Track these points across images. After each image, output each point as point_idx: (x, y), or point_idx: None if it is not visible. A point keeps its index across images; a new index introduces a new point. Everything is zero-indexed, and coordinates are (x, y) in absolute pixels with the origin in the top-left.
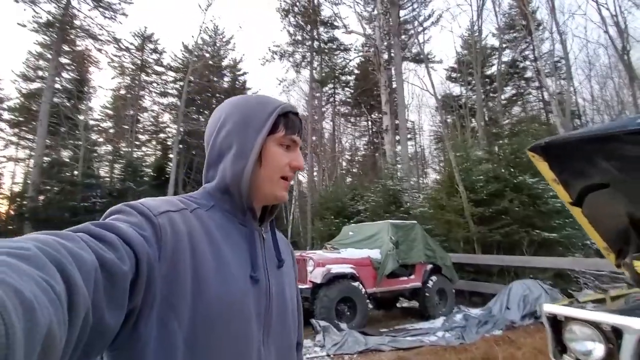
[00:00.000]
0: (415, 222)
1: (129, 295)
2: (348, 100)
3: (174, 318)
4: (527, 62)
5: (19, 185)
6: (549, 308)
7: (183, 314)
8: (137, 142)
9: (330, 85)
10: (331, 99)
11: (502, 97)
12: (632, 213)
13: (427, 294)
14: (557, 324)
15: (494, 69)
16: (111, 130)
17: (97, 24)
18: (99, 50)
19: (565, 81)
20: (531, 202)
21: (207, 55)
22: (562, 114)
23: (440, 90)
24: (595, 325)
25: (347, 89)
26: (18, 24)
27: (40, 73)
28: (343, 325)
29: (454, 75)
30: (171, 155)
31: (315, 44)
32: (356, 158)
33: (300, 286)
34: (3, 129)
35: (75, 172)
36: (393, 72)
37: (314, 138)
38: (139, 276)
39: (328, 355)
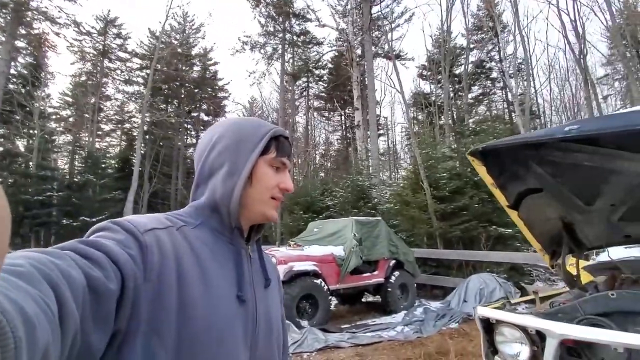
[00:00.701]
0: (379, 218)
1: (115, 315)
2: (322, 94)
3: (159, 343)
4: (493, 63)
5: None
6: (482, 311)
7: (168, 339)
8: (99, 132)
9: (304, 79)
10: (304, 93)
11: (470, 96)
12: (564, 217)
13: (389, 289)
14: (490, 326)
15: (462, 68)
16: (71, 119)
17: (55, 6)
18: (57, 34)
19: (527, 82)
20: (489, 199)
21: (176, 42)
22: (522, 113)
23: (412, 88)
24: (522, 328)
25: (320, 83)
26: None
27: None
28: (304, 323)
29: (425, 73)
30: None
31: (288, 36)
32: (330, 153)
33: None
34: None
35: (30, 164)
36: (366, 67)
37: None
38: (125, 296)
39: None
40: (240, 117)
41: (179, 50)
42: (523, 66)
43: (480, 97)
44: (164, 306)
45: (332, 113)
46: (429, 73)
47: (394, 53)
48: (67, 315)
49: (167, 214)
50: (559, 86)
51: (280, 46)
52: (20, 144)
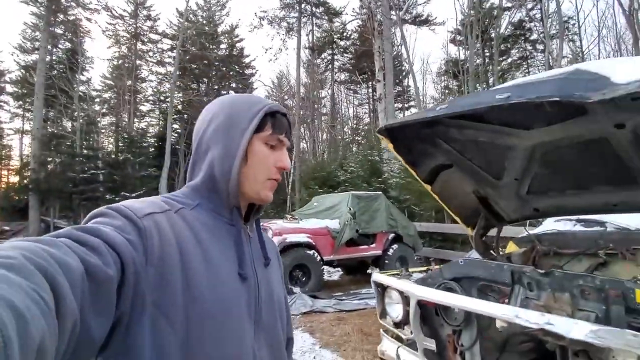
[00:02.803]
0: (379, 192)
1: (116, 301)
2: (347, 66)
3: (166, 323)
4: (534, 24)
5: (27, 157)
6: (375, 277)
7: (175, 319)
8: (138, 113)
9: (329, 52)
10: (330, 66)
11: (508, 60)
12: (477, 191)
13: (386, 261)
14: (383, 290)
15: (500, 30)
16: (113, 101)
17: None
18: (89, 19)
19: (572, 43)
20: None
21: (202, 20)
22: None
23: (442, 55)
24: (399, 292)
25: (345, 54)
26: None
27: (37, 44)
28: (296, 289)
29: (458, 38)
30: (174, 126)
31: (307, 8)
32: (360, 126)
33: None
34: (7, 101)
35: (76, 144)
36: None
37: (299, 108)
38: (126, 281)
39: None
40: (236, 94)
41: (206, 28)
42: (568, 24)
43: (519, 61)
44: (170, 288)
45: (359, 86)
46: (461, 38)
47: (420, 19)
48: (64, 304)
49: (165, 196)
50: (612, 46)
51: (301, 19)
52: (69, 125)
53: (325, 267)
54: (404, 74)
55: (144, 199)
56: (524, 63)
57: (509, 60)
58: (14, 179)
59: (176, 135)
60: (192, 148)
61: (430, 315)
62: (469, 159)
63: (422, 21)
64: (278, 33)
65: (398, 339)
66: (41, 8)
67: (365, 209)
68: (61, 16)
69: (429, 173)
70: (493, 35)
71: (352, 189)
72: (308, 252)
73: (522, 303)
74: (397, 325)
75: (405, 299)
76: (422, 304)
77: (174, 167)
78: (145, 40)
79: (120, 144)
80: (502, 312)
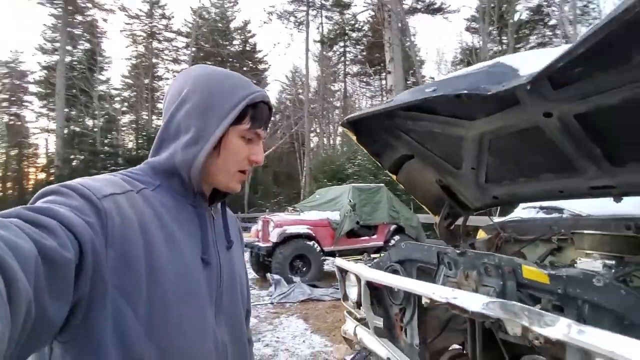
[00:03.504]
0: (381, 185)
1: (74, 284)
2: (359, 58)
3: (127, 307)
4: (553, 8)
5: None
6: (337, 262)
7: (138, 302)
8: (156, 110)
9: (341, 44)
10: (342, 58)
11: (527, 47)
12: (440, 180)
13: None
14: (344, 274)
15: (517, 17)
16: (132, 100)
17: None
18: (105, 20)
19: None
20: None
21: (215, 17)
22: None
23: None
24: (355, 274)
25: (358, 46)
26: None
27: (57, 45)
28: (296, 279)
29: (473, 25)
30: None
31: (316, 1)
32: None
33: (263, 245)
34: (31, 101)
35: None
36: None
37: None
38: (84, 264)
39: (272, 303)
40: (215, 68)
41: (219, 25)
42: (588, 8)
43: (538, 47)
44: (132, 272)
45: (371, 77)
46: (477, 26)
47: (433, 7)
48: (16, 288)
49: (123, 174)
50: None
51: (311, 12)
52: (90, 123)
53: (330, 259)
54: (419, 64)
55: (101, 176)
56: (543, 49)
57: (528, 46)
58: (41, 175)
59: None
60: (162, 120)
61: (382, 296)
62: (428, 149)
63: (435, 9)
64: (286, 27)
65: (359, 319)
66: (58, 9)
67: (366, 201)
68: (79, 17)
69: (393, 164)
70: (511, 21)
71: (360, 181)
72: (308, 243)
73: (443, 281)
74: (356, 306)
75: (359, 281)
76: (374, 286)
77: None
78: (161, 38)
79: (139, 141)
80: (422, 289)
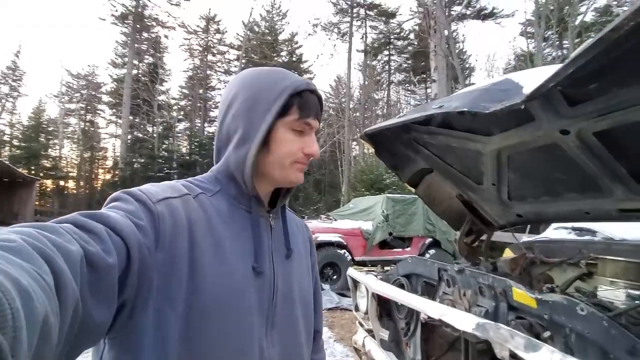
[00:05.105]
0: (416, 196)
1: (120, 287)
2: (405, 66)
3: (169, 309)
4: (625, 8)
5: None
6: (349, 272)
7: (178, 306)
8: (208, 118)
9: (386, 52)
10: (386, 67)
11: None
12: (461, 195)
13: None
14: (356, 284)
15: (582, 18)
16: (187, 109)
17: (164, 11)
18: (166, 36)
19: None
20: None
21: (264, 30)
22: None
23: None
24: (365, 286)
25: (403, 55)
26: (99, 18)
27: (125, 60)
28: (325, 286)
29: (530, 30)
30: None
31: (361, 11)
32: None
33: None
34: (103, 110)
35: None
36: (445, 33)
37: (352, 107)
38: (130, 267)
39: None
40: (261, 68)
41: (268, 37)
42: None
43: None
44: (175, 275)
45: (416, 86)
46: (532, 30)
47: (485, 12)
48: (65, 286)
49: (188, 180)
50: None
51: (355, 22)
52: (150, 130)
53: (362, 268)
54: (466, 72)
55: (163, 182)
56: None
57: None
58: (107, 176)
59: None
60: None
61: (391, 309)
62: (448, 163)
63: (486, 15)
64: (330, 39)
65: (369, 330)
66: (128, 27)
67: (401, 212)
68: (145, 34)
69: (412, 177)
70: (573, 24)
71: (398, 192)
72: (339, 251)
73: (441, 298)
74: (366, 317)
75: (368, 292)
76: (383, 299)
77: None
78: (215, 52)
79: (192, 147)
80: (418, 304)
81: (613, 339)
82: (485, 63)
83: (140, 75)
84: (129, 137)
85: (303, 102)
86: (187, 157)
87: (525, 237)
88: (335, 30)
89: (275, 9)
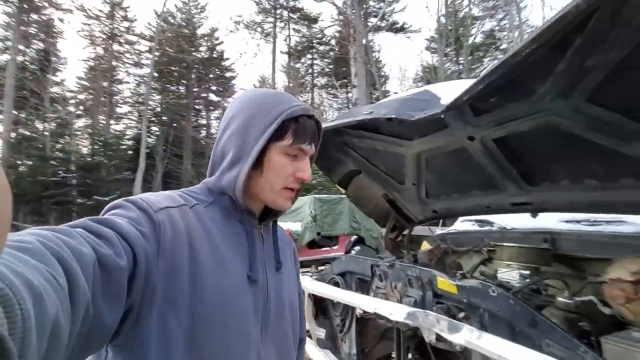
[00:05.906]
0: (343, 196)
1: (127, 291)
2: (327, 71)
3: (172, 315)
4: (504, 33)
5: None
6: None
7: (181, 311)
8: (114, 115)
9: (309, 56)
10: (309, 70)
11: (480, 68)
12: (386, 194)
13: None
14: None
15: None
16: (88, 103)
17: None
18: (61, 20)
19: None
20: None
21: (181, 22)
22: None
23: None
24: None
25: (325, 59)
26: None
27: (8, 44)
28: None
29: (432, 45)
30: (154, 128)
31: (284, 13)
32: None
33: None
34: None
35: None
36: (364, 42)
37: None
38: (137, 272)
39: None
40: (263, 90)
41: (185, 30)
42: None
43: None
44: (177, 283)
45: (338, 90)
46: (436, 46)
47: (396, 26)
48: (77, 288)
49: (182, 191)
50: None
51: (278, 23)
52: (40, 127)
53: None
54: (382, 79)
55: (161, 192)
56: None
57: (482, 67)
58: None
59: (155, 137)
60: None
61: (327, 307)
62: (374, 165)
63: (397, 29)
64: (253, 38)
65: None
66: (12, 7)
67: (328, 212)
68: (34, 16)
69: (342, 178)
70: (467, 43)
71: (325, 192)
72: None
73: (375, 292)
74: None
75: (303, 293)
76: (320, 298)
77: (150, 170)
78: (122, 41)
79: (95, 147)
80: (353, 300)
81: (518, 315)
82: (398, 72)
83: (27, 63)
84: (13, 134)
85: (299, 127)
86: (89, 159)
87: (439, 230)
88: (259, 29)
89: (192, 1)
